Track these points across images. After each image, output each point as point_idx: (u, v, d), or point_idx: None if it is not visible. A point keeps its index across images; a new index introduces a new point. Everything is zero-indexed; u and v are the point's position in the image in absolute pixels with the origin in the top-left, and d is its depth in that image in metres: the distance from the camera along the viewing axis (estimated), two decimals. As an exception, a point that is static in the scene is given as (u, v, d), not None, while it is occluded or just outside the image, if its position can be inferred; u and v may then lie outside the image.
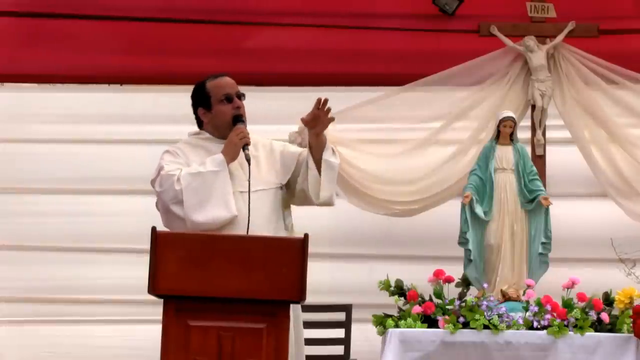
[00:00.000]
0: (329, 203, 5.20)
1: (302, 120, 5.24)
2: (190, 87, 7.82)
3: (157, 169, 5.14)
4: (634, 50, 7.57)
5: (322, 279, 7.17)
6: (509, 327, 6.47)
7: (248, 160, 5.02)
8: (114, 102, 7.99)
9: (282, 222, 5.14)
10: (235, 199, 5.00)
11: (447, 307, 6.57)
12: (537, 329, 6.48)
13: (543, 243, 6.93)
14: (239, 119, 5.16)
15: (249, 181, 4.99)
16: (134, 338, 7.67)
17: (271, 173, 5.18)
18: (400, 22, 7.64)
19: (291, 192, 5.21)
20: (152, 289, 4.16)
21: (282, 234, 5.09)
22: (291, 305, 4.92)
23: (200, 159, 5.11)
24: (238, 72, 7.61)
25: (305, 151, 5.28)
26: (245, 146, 5.05)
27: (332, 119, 5.23)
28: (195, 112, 5.30)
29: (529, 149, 7.31)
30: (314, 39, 7.69)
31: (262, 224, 4.97)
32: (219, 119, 5.19)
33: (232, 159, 5.06)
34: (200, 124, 5.30)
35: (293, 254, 4.19)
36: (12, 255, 7.89)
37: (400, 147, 7.57)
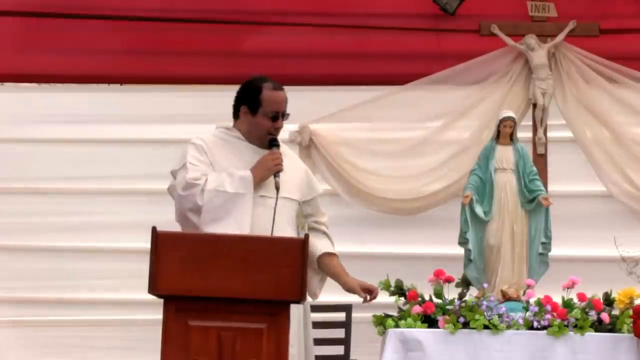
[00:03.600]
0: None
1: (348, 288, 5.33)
2: (190, 87, 7.91)
3: (181, 162, 5.08)
4: (634, 49, 7.58)
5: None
6: (509, 327, 6.46)
7: (277, 188, 5.00)
8: (114, 102, 7.99)
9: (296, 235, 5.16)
10: (257, 204, 5.00)
11: (447, 307, 6.56)
12: (537, 329, 6.47)
13: (543, 243, 6.92)
14: (274, 142, 5.13)
15: (275, 208, 4.97)
16: (134, 338, 7.66)
17: (295, 185, 5.17)
18: (400, 21, 7.64)
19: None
20: (153, 288, 4.16)
21: None
22: (301, 306, 4.95)
23: (227, 157, 5.07)
24: (238, 72, 7.63)
25: (317, 198, 5.32)
26: (277, 173, 5.04)
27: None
28: (237, 105, 5.24)
29: (530, 148, 7.32)
30: (314, 39, 7.69)
31: (282, 232, 4.97)
32: (257, 129, 5.13)
33: (261, 181, 5.03)
34: (235, 115, 5.24)
35: (293, 254, 4.18)
36: (12, 255, 7.89)
37: (401, 146, 7.58)
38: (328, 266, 5.31)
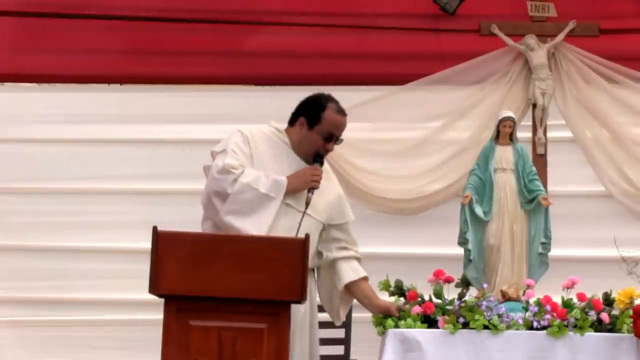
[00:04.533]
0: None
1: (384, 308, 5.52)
2: (190, 87, 7.91)
3: (223, 146, 5.10)
4: (634, 49, 7.58)
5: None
6: (508, 327, 6.45)
7: (307, 203, 5.01)
8: (114, 102, 7.99)
9: (315, 255, 5.14)
10: (281, 212, 4.99)
11: (447, 307, 6.55)
12: (537, 329, 6.46)
13: (543, 243, 6.92)
14: (319, 158, 5.14)
15: (300, 223, 4.99)
16: (134, 338, 7.66)
17: (325, 206, 5.18)
18: (400, 21, 7.65)
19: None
20: (153, 288, 4.16)
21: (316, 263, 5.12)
22: (307, 306, 4.95)
23: (267, 156, 5.09)
24: (238, 72, 7.64)
25: (348, 224, 5.34)
26: (311, 189, 5.04)
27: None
28: (297, 114, 5.25)
29: (530, 148, 7.32)
30: (314, 39, 7.69)
31: None
32: (307, 143, 5.16)
33: (294, 191, 5.04)
34: (291, 122, 5.25)
35: (294, 254, 4.19)
36: (12, 255, 7.88)
37: (401, 146, 7.58)
38: (358, 289, 5.33)
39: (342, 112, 5.20)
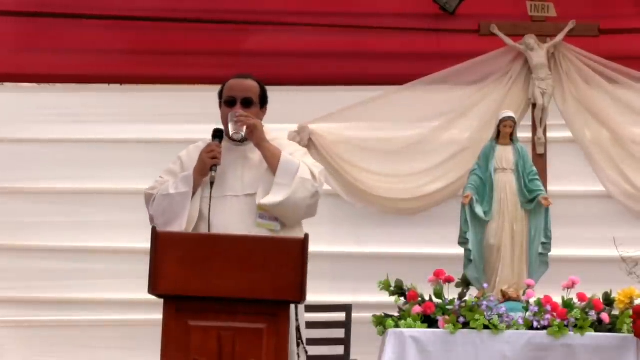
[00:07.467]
0: (270, 210, 4.96)
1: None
2: (190, 88, 7.92)
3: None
4: (634, 49, 7.59)
5: (322, 278, 7.17)
6: (509, 327, 6.46)
7: (212, 183, 4.95)
8: (114, 102, 8.00)
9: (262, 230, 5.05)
10: (214, 204, 4.96)
11: (447, 307, 6.56)
12: (537, 329, 6.47)
13: (543, 243, 6.92)
14: (217, 133, 5.08)
15: (210, 198, 4.94)
16: (134, 338, 7.66)
17: (268, 176, 5.10)
18: (400, 21, 7.65)
19: None
20: (153, 288, 4.17)
21: None
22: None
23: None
24: (238, 72, 7.64)
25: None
26: (213, 167, 4.97)
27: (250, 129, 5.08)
28: None
29: (530, 148, 7.32)
30: (314, 39, 7.69)
31: (233, 230, 4.91)
32: (223, 121, 5.17)
33: (201, 176, 5.02)
34: None
35: (293, 254, 4.19)
36: (12, 255, 7.88)
37: (401, 146, 7.58)
38: None
39: (241, 76, 5.21)
